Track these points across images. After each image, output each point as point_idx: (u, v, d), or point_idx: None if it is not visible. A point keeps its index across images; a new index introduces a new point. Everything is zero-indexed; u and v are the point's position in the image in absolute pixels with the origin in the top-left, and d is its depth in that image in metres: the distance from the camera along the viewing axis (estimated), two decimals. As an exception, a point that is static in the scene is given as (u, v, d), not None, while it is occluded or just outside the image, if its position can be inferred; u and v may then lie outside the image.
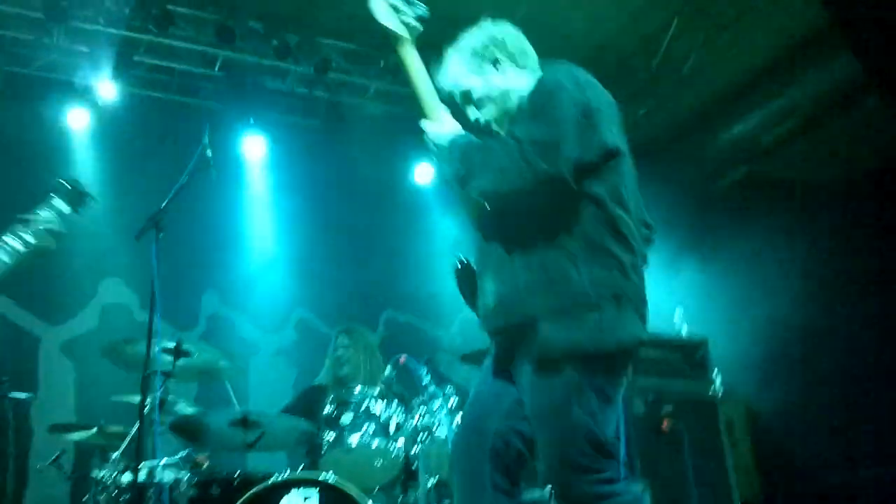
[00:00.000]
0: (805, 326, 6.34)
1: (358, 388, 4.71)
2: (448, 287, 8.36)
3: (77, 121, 6.85)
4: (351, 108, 7.57)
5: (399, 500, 4.53)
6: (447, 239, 8.13)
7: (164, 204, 3.85)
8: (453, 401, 4.64)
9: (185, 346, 4.48)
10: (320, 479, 4.23)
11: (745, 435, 5.90)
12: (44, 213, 3.27)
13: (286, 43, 6.76)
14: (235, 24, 6.58)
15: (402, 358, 4.78)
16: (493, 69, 2.83)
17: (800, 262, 6.64)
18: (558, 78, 2.62)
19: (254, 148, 7.40)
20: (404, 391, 5.11)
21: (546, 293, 2.50)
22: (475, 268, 2.82)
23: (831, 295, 6.35)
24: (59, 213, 3.31)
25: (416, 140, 8.00)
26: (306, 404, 5.23)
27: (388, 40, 6.44)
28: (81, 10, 6.23)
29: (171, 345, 4.44)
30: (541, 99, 2.57)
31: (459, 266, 2.91)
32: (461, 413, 2.82)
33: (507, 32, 2.91)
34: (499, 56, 2.83)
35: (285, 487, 4.08)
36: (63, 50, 6.53)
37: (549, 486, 2.56)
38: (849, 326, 6.20)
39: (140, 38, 6.57)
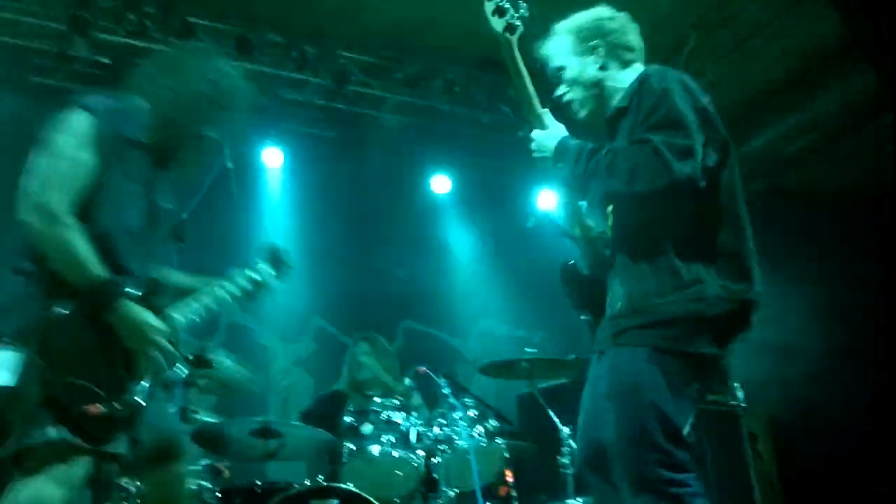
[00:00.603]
0: (827, 338, 6.31)
1: (378, 399, 4.73)
2: (466, 297, 8.40)
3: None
4: (369, 119, 7.59)
5: (419, 511, 4.54)
6: (465, 249, 8.15)
7: (184, 215, 3.81)
8: (473, 412, 4.66)
9: (208, 356, 4.47)
10: (341, 489, 4.24)
11: (769, 447, 5.86)
12: (249, 273, 3.20)
13: (305, 55, 6.80)
14: (254, 35, 6.62)
15: (422, 369, 4.81)
16: (592, 56, 2.88)
17: (821, 274, 6.62)
18: (672, 81, 2.64)
19: (272, 158, 7.44)
20: (424, 402, 5.13)
21: (676, 298, 2.51)
22: (593, 270, 2.86)
23: (853, 306, 6.32)
24: (262, 278, 3.23)
25: (432, 151, 8.07)
26: (325, 410, 5.23)
27: (404, 53, 6.48)
28: (103, 22, 6.28)
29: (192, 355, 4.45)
30: (657, 100, 2.59)
31: (567, 269, 2.94)
32: (578, 425, 2.82)
33: (617, 24, 2.93)
34: (601, 45, 2.88)
35: (306, 497, 4.08)
36: (85, 61, 6.57)
37: (620, 468, 2.50)
38: (871, 338, 6.16)
39: (161, 50, 6.60)
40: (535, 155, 2.81)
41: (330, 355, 6.80)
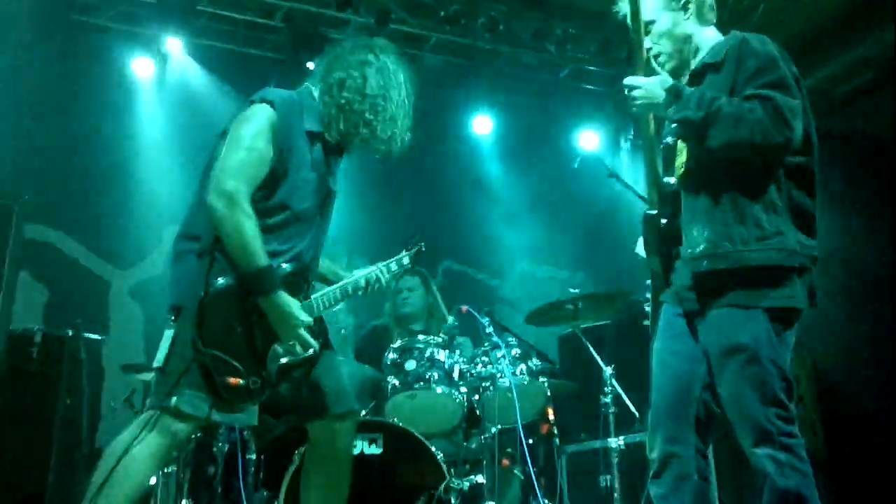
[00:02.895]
0: (873, 280, 6.25)
1: (421, 336, 4.78)
2: (505, 238, 8.41)
3: (142, 70, 6.93)
4: (411, 58, 7.50)
5: (462, 446, 4.61)
6: (505, 190, 8.13)
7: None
8: (515, 351, 4.70)
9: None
10: (385, 423, 4.33)
11: (811, 390, 5.85)
12: (397, 262, 3.57)
13: (347, -7, 6.75)
14: (297, -26, 6.59)
15: (464, 308, 4.84)
16: (682, 12, 2.98)
17: (868, 216, 6.52)
18: (770, 47, 2.77)
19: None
20: (467, 340, 5.17)
21: (760, 247, 2.67)
22: (667, 213, 2.95)
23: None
24: (399, 269, 3.60)
25: (475, 91, 8.01)
26: (372, 345, 5.30)
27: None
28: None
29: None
30: (764, 63, 2.71)
31: (649, 218, 2.99)
32: (655, 372, 2.93)
33: None
34: (691, 2, 2.99)
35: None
36: (129, 1, 6.59)
37: (739, 420, 2.66)
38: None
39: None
40: (640, 101, 2.84)
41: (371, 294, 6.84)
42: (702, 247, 2.75)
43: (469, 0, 7.06)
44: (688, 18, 2.98)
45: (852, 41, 6.58)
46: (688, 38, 2.98)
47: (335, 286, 3.32)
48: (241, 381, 2.88)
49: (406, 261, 3.63)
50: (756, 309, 2.65)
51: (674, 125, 2.95)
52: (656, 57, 3.00)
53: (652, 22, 2.98)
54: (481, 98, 7.97)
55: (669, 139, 3.04)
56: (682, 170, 2.92)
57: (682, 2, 2.98)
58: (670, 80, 2.85)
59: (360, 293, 3.41)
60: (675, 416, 2.83)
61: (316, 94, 3.22)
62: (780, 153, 2.68)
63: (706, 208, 2.78)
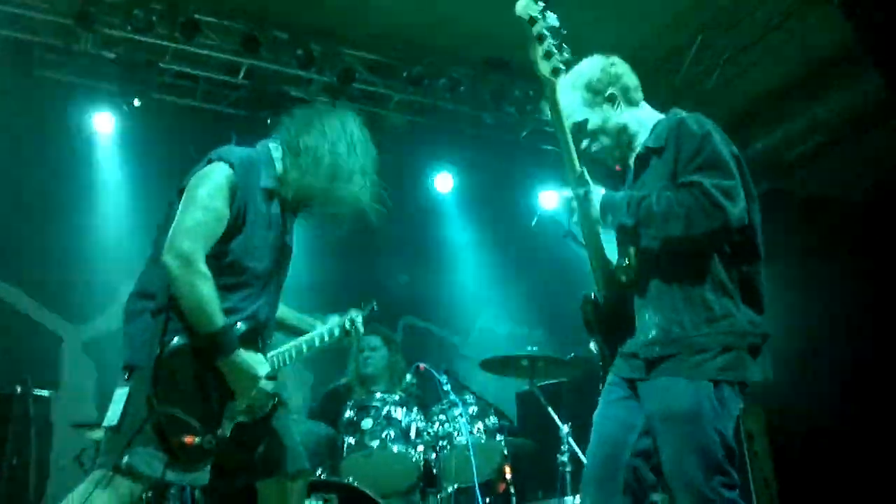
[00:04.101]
0: (827, 344, 6.34)
1: (378, 394, 4.75)
2: (467, 295, 8.40)
3: (103, 125, 6.93)
4: (373, 117, 7.62)
5: (418, 505, 4.57)
6: (467, 247, 8.17)
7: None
8: (473, 409, 4.68)
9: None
10: (341, 483, 4.27)
11: (765, 446, 5.88)
12: (342, 321, 3.56)
13: (310, 53, 6.82)
14: (260, 33, 6.64)
15: (422, 366, 4.83)
16: (609, 104, 2.99)
17: (819, 281, 6.63)
18: (706, 125, 2.79)
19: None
20: (424, 398, 5.15)
21: (710, 331, 2.69)
22: (611, 295, 2.95)
23: (855, 314, 6.34)
24: (353, 327, 3.58)
25: (436, 149, 8.07)
26: (333, 404, 5.24)
27: (409, 52, 6.48)
28: (110, 17, 6.30)
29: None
30: (699, 144, 2.73)
31: (588, 300, 3.01)
32: (591, 440, 2.95)
33: (621, 68, 3.05)
34: (614, 92, 3.00)
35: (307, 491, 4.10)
36: (91, 56, 6.61)
37: (680, 488, 2.66)
38: (869, 345, 6.19)
39: (167, 46, 6.64)
40: (580, 214, 2.89)
41: (329, 351, 6.79)
42: (653, 333, 2.77)
43: (431, 62, 7.17)
44: (617, 109, 2.99)
45: (802, 106, 6.77)
46: (623, 128, 3.00)
47: (289, 345, 3.34)
48: (196, 440, 2.84)
49: (359, 320, 3.61)
50: (700, 379, 2.66)
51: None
52: (597, 154, 3.02)
53: (585, 121, 3.00)
54: (443, 156, 8.07)
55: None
56: (632, 260, 2.92)
57: (606, 95, 2.99)
58: (601, 191, 2.87)
59: (313, 351, 3.41)
60: (603, 482, 2.83)
61: (276, 153, 3.23)
62: (719, 237, 2.69)
63: (656, 293, 2.81)
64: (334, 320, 3.55)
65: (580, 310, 3.04)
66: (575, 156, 2.90)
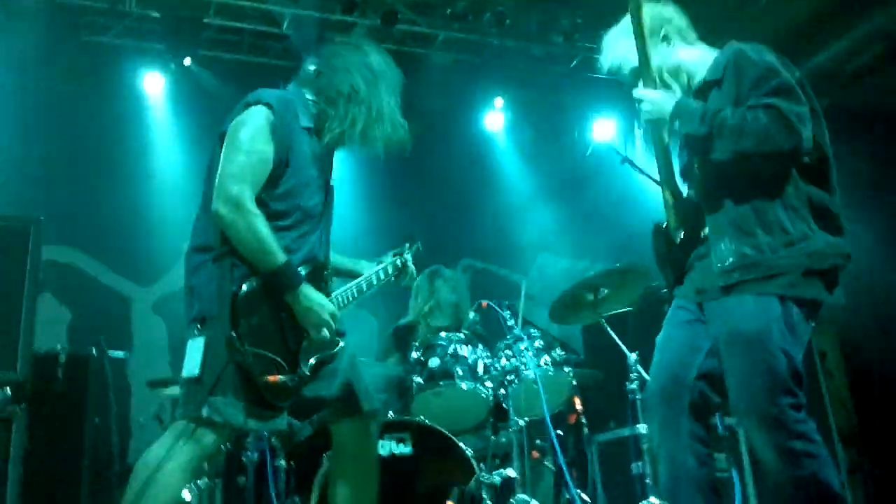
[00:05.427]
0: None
1: (443, 333, 4.76)
2: (523, 233, 8.35)
3: (152, 85, 6.99)
4: (419, 58, 7.54)
5: (490, 441, 4.59)
6: (521, 185, 8.10)
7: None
8: (538, 343, 4.67)
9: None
10: (412, 422, 4.31)
11: (839, 366, 5.78)
12: (395, 260, 3.62)
13: (352, -4, 6.75)
14: (302, -20, 6.60)
15: (485, 303, 4.82)
16: (665, 44, 2.98)
17: (885, 194, 6.45)
18: (766, 54, 2.77)
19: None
20: (488, 335, 5.15)
21: (788, 253, 2.66)
22: (680, 225, 2.94)
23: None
24: (406, 264, 3.65)
25: (485, 86, 7.96)
26: (398, 345, 5.28)
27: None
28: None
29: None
30: (764, 72, 2.71)
31: (659, 231, 3.00)
32: (654, 361, 2.96)
33: (669, 10, 3.05)
34: (669, 32, 2.99)
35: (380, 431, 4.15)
36: (136, 16, 6.63)
37: (747, 410, 2.66)
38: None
39: (209, 1, 6.63)
40: (648, 116, 2.88)
41: (391, 294, 6.81)
42: (731, 259, 2.74)
43: (475, -4, 7.04)
44: (672, 48, 2.97)
45: (858, 18, 6.50)
46: (678, 67, 2.96)
47: (349, 285, 3.35)
48: (281, 378, 2.87)
49: (409, 258, 3.65)
50: (770, 296, 2.64)
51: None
52: (659, 78, 2.96)
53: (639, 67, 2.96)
54: (492, 94, 7.95)
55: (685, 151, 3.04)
56: (700, 184, 2.92)
57: (661, 35, 2.97)
58: (677, 96, 2.86)
59: (372, 291, 3.45)
60: (668, 403, 2.83)
61: (308, 94, 3.23)
62: (790, 160, 2.67)
63: (730, 221, 2.77)
64: (387, 260, 3.57)
65: (652, 240, 3.01)
66: (653, 66, 2.91)
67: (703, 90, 2.90)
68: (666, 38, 2.97)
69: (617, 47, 3.02)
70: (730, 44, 2.88)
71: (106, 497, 4.79)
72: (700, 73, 2.93)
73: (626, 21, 2.98)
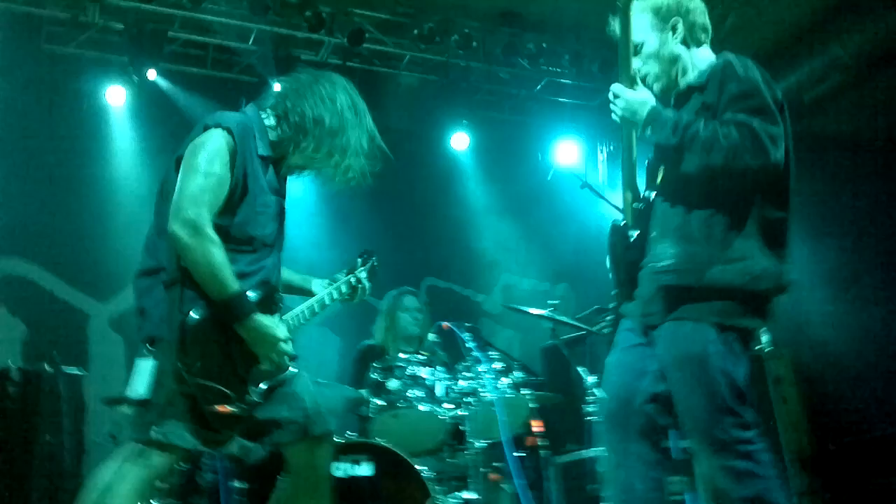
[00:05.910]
0: (850, 279, 6.28)
1: (402, 355, 4.76)
2: (487, 253, 8.35)
3: (114, 98, 6.90)
4: (386, 78, 7.55)
5: (448, 463, 4.58)
6: (485, 205, 8.13)
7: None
8: (498, 365, 4.68)
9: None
10: (371, 444, 4.29)
11: (793, 390, 5.85)
12: (349, 278, 3.60)
13: (319, 14, 6.74)
14: (269, -4, 6.57)
15: (445, 325, 4.82)
16: (671, 33, 2.98)
17: (842, 218, 6.55)
18: (756, 71, 2.78)
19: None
20: (448, 357, 5.15)
21: (724, 269, 2.68)
22: (639, 226, 2.95)
23: (878, 247, 6.27)
24: (361, 282, 3.62)
25: (451, 107, 7.96)
26: (361, 366, 5.24)
27: (421, 9, 6.35)
28: (116, -12, 6.25)
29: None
30: (745, 87, 2.72)
31: (618, 229, 2.99)
32: (606, 384, 2.99)
33: (694, 4, 3.05)
34: (679, 24, 2.99)
35: (337, 453, 4.13)
36: (99, 27, 6.57)
37: (693, 431, 2.71)
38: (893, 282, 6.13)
39: (174, 14, 6.59)
40: (620, 114, 2.89)
41: (354, 314, 6.79)
42: (667, 261, 2.77)
43: (442, 18, 7.07)
44: (676, 40, 2.98)
45: (818, 46, 6.65)
46: (675, 60, 2.99)
47: (301, 307, 3.33)
48: (228, 408, 2.85)
49: (364, 276, 3.64)
50: (705, 323, 2.68)
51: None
52: (644, 78, 3.01)
53: (642, 43, 3.00)
54: (458, 114, 7.97)
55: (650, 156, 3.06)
56: (659, 189, 2.94)
57: (671, 24, 2.98)
58: (652, 102, 2.86)
59: (324, 310, 3.45)
60: (617, 428, 2.85)
61: (270, 119, 3.20)
62: (757, 178, 2.67)
63: (677, 225, 2.80)
64: (341, 279, 3.56)
65: (608, 237, 3.01)
66: (629, 66, 2.93)
67: (685, 94, 2.93)
68: (674, 29, 2.97)
69: (637, 20, 2.99)
70: (722, 53, 2.90)
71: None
72: (692, 75, 2.96)
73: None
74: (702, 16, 3.04)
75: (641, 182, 3.04)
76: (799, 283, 2.81)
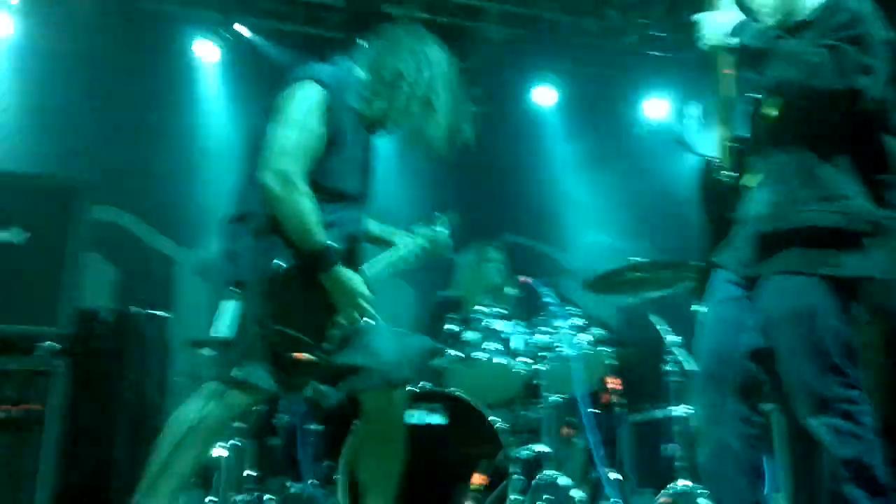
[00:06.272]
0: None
1: (480, 307, 4.75)
2: (569, 211, 8.26)
3: (205, 53, 7.02)
4: (471, 31, 7.47)
5: (522, 416, 4.58)
6: (568, 161, 8.00)
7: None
8: (576, 321, 4.63)
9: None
10: (445, 393, 4.32)
11: (882, 357, 5.61)
12: (429, 233, 3.71)
13: (406, -33, 6.70)
14: (356, -49, 6.57)
15: (524, 279, 4.78)
16: None
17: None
18: (868, 6, 2.67)
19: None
20: (527, 311, 5.12)
21: (819, 208, 2.60)
22: (738, 172, 2.88)
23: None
24: (440, 237, 3.73)
25: (536, 62, 7.85)
26: (438, 316, 5.24)
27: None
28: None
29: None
30: (857, 20, 2.62)
31: (712, 168, 2.93)
32: (704, 338, 2.90)
33: None
34: None
35: (411, 401, 4.16)
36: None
37: (795, 387, 2.62)
38: None
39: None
40: (706, 36, 2.83)
41: (430, 266, 6.79)
42: (766, 209, 2.70)
43: (529, -30, 6.95)
44: None
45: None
46: None
47: (384, 258, 3.39)
48: (305, 356, 2.92)
49: (446, 233, 3.69)
50: (813, 276, 2.58)
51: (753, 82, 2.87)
52: (759, 10, 2.88)
53: None
54: (543, 69, 7.85)
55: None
56: (757, 129, 2.85)
57: None
58: (740, 18, 2.79)
59: (407, 266, 3.54)
60: (714, 384, 2.77)
61: (361, 74, 3.22)
62: (839, 102, 2.56)
63: (775, 170, 2.72)
64: (423, 233, 3.62)
65: (699, 180, 2.95)
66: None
67: (795, 29, 2.79)
68: None
69: None
70: None
71: (141, 451, 4.86)
72: (807, 10, 2.82)
73: None
74: None
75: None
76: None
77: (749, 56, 2.73)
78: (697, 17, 2.86)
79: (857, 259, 2.58)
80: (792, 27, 2.81)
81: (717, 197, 2.90)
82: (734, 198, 2.85)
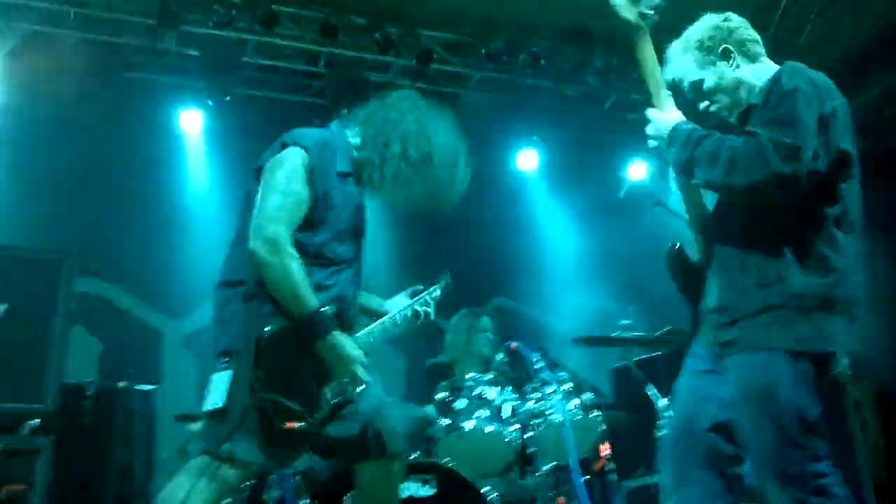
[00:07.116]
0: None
1: (470, 374, 4.72)
2: (556, 273, 8.25)
3: (190, 123, 7.06)
4: (454, 98, 7.57)
5: (517, 485, 4.52)
6: (554, 224, 8.06)
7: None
8: (567, 386, 4.60)
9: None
10: (437, 465, 4.26)
11: (874, 416, 5.64)
12: (424, 297, 3.61)
13: (388, 36, 6.81)
14: (338, 19, 6.67)
15: (514, 344, 4.76)
16: (724, 61, 2.87)
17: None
18: (797, 80, 2.64)
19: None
20: (516, 377, 5.09)
21: (759, 295, 2.63)
22: (699, 262, 2.92)
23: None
24: (432, 304, 3.62)
25: (519, 126, 7.93)
26: (431, 383, 5.21)
27: (488, 29, 6.42)
28: (191, 15, 6.40)
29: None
30: (780, 99, 2.61)
31: (674, 253, 2.98)
32: (674, 407, 2.96)
33: (735, 23, 2.94)
34: (730, 47, 2.88)
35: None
36: (174, 54, 6.74)
37: (762, 464, 2.64)
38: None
39: (247, 39, 6.72)
40: (651, 142, 2.88)
41: (416, 332, 6.77)
42: (716, 301, 2.75)
43: (510, 37, 7.07)
44: (732, 64, 2.85)
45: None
46: (739, 84, 2.85)
47: (377, 323, 3.33)
48: (298, 424, 2.84)
49: (437, 293, 3.62)
50: (773, 350, 2.59)
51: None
52: (718, 112, 2.91)
53: (701, 81, 2.88)
54: (525, 133, 7.95)
55: None
56: (710, 219, 2.91)
57: (720, 52, 2.86)
58: (676, 120, 2.81)
59: (398, 330, 3.44)
60: (681, 453, 2.79)
61: (354, 138, 3.24)
62: (767, 191, 2.52)
63: (719, 258, 2.78)
64: (412, 297, 3.56)
65: (666, 262, 2.98)
66: (658, 90, 2.89)
67: (745, 114, 2.83)
68: (726, 55, 2.85)
69: (676, 61, 2.93)
70: (785, 63, 2.79)
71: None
72: (756, 91, 2.83)
73: (686, 33, 2.94)
74: (746, 30, 2.92)
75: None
76: (876, 308, 2.69)
77: (678, 166, 2.77)
78: (646, 114, 2.88)
79: (814, 332, 2.58)
80: (744, 111, 2.85)
81: (683, 276, 2.94)
82: (699, 281, 2.88)
